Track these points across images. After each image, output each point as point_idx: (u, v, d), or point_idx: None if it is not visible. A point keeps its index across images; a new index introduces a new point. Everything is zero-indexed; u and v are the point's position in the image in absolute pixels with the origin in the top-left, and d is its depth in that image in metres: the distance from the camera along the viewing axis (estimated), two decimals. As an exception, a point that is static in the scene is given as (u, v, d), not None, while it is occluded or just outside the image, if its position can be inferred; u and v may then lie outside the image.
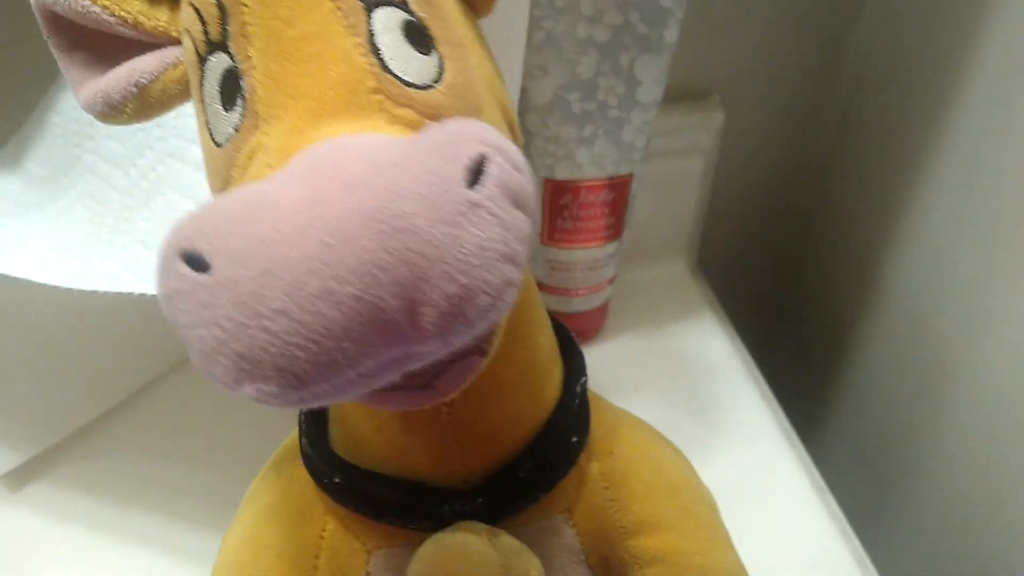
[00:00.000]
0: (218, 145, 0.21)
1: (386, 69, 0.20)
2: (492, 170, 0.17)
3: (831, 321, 0.61)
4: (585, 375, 0.27)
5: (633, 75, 0.41)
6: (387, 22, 0.20)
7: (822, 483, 0.45)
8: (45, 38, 0.24)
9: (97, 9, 0.22)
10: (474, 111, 0.21)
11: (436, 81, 0.20)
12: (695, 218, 0.57)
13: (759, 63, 0.54)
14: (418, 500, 0.25)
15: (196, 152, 0.33)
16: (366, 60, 0.19)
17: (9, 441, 0.43)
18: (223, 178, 0.21)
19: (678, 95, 0.52)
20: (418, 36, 0.20)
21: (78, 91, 0.24)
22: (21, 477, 0.44)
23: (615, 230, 0.47)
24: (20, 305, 0.40)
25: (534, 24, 0.40)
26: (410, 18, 0.20)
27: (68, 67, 0.24)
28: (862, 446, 0.58)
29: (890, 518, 0.55)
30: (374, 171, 0.16)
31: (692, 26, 0.44)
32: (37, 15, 0.23)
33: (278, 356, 0.16)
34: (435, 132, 0.18)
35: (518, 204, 0.18)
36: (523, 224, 0.17)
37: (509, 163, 0.18)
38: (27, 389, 0.43)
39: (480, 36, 0.23)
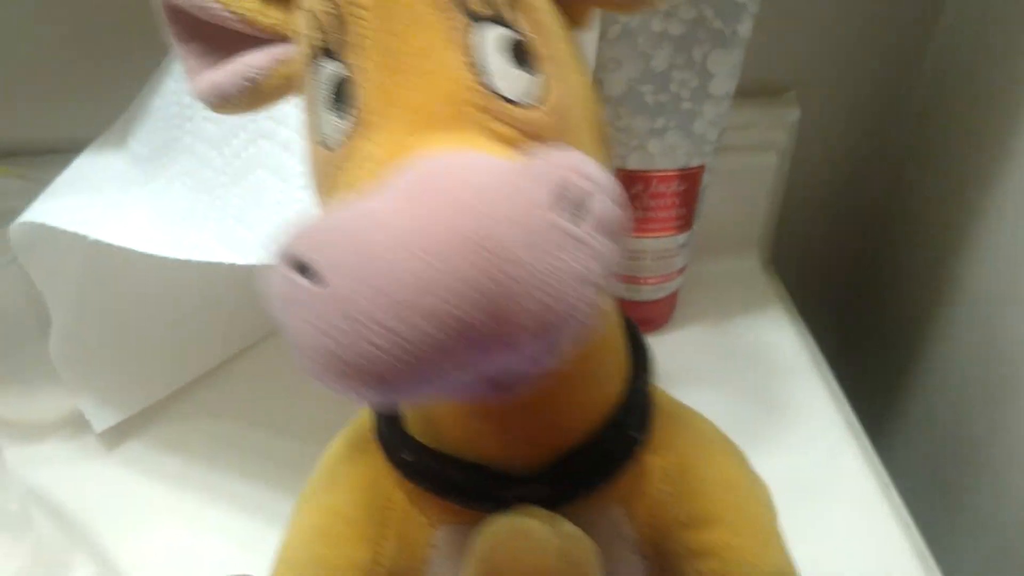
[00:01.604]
0: (326, 148, 0.22)
1: (490, 87, 0.21)
2: (596, 208, 0.18)
3: (904, 320, 0.60)
4: (649, 371, 0.28)
5: (706, 68, 0.42)
6: (495, 41, 0.21)
7: (887, 479, 0.45)
8: (164, 27, 0.25)
9: (216, 6, 0.24)
10: (572, 130, 0.22)
11: (540, 101, 0.21)
12: (768, 213, 0.57)
13: (837, 60, 0.54)
14: (483, 483, 0.26)
15: (285, 133, 0.35)
16: (472, 77, 0.21)
17: (108, 401, 0.45)
18: (329, 182, 0.22)
19: (754, 90, 0.52)
20: (523, 55, 0.21)
21: (193, 80, 0.25)
22: (117, 435, 0.46)
23: (685, 221, 0.48)
24: (123, 273, 0.42)
25: (610, 18, 0.41)
26: (518, 37, 0.21)
27: (185, 56, 0.25)
28: (931, 446, 0.57)
29: (956, 518, 0.54)
30: (475, 196, 0.17)
31: (769, 22, 0.44)
32: (158, 3, 0.25)
33: (380, 367, 0.17)
34: (538, 162, 0.19)
35: (611, 236, 0.18)
36: (614, 254, 0.18)
37: (610, 200, 0.19)
38: (125, 353, 0.46)
39: (579, 51, 0.24)
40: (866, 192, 0.61)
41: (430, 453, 0.26)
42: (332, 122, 0.22)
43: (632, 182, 0.46)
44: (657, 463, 0.27)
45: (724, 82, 0.43)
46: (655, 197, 0.46)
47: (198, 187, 0.37)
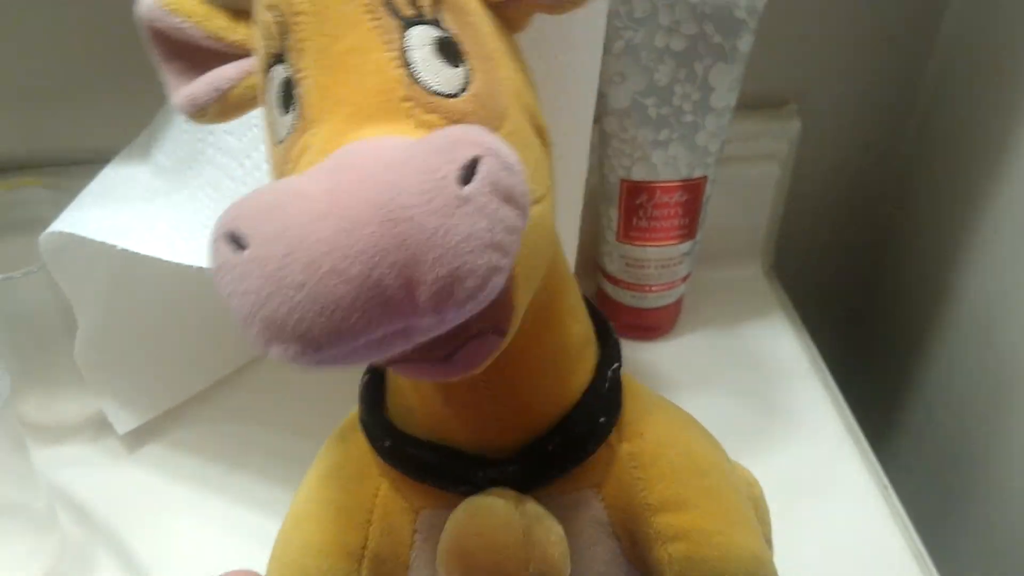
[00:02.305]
0: (278, 143, 0.24)
1: (416, 80, 0.22)
2: (483, 169, 0.20)
3: (904, 327, 0.61)
4: (619, 361, 0.29)
5: (707, 82, 0.43)
6: (421, 38, 0.23)
7: (886, 482, 0.46)
8: (148, 48, 0.28)
9: (188, 25, 0.26)
10: (498, 117, 0.23)
11: (463, 90, 0.23)
12: (770, 222, 0.58)
13: (837, 72, 0.55)
14: (456, 465, 0.27)
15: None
16: (399, 72, 0.22)
17: (130, 404, 0.47)
18: (280, 172, 0.24)
19: (756, 103, 0.53)
20: (449, 50, 0.23)
21: (172, 94, 0.28)
22: (139, 438, 0.47)
23: (689, 230, 0.49)
24: (147, 281, 0.43)
25: (614, 34, 0.42)
26: (442, 34, 0.23)
27: (167, 74, 0.28)
28: (930, 450, 0.58)
29: (955, 522, 0.55)
30: (383, 168, 0.19)
31: (770, 34, 0.45)
32: (141, 29, 0.27)
33: (297, 323, 0.18)
34: (438, 136, 0.20)
35: (508, 200, 0.20)
36: (512, 218, 0.20)
37: (500, 164, 0.20)
38: (147, 358, 0.47)
39: (513, 50, 0.26)
40: (866, 201, 0.62)
41: (408, 439, 0.28)
42: (280, 119, 0.24)
43: (636, 192, 0.47)
44: (628, 450, 0.29)
45: (725, 95, 0.44)
46: (659, 207, 0.47)
47: (220, 198, 0.38)
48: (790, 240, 0.60)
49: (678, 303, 0.54)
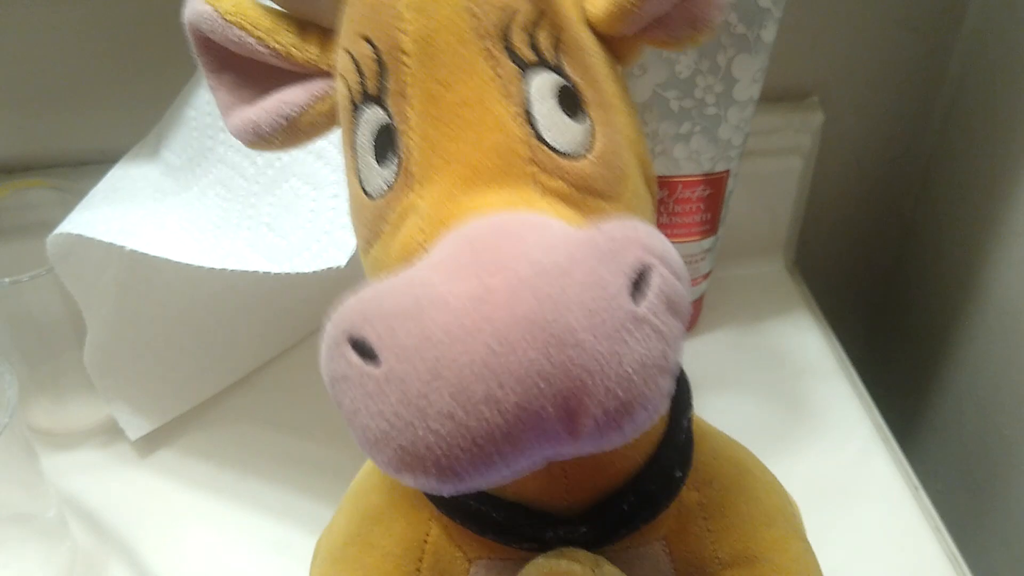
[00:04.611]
0: (369, 196, 0.21)
1: (540, 138, 0.20)
2: (655, 281, 0.17)
3: (930, 322, 0.60)
4: (691, 407, 0.27)
5: (730, 74, 0.42)
6: (543, 88, 0.20)
7: (916, 482, 0.45)
8: (194, 56, 0.25)
9: (252, 40, 0.23)
10: (620, 178, 0.21)
11: (587, 149, 0.21)
12: (793, 217, 0.57)
13: (860, 65, 0.54)
14: (523, 523, 0.25)
15: (318, 142, 0.36)
16: (521, 129, 0.20)
17: (141, 409, 0.46)
18: (373, 231, 0.22)
19: (778, 95, 0.52)
20: (571, 101, 0.21)
21: (227, 115, 0.25)
22: (151, 443, 0.47)
23: (711, 226, 0.48)
24: (156, 284, 0.43)
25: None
26: (565, 83, 0.21)
27: (216, 87, 0.25)
28: (959, 447, 0.57)
29: (986, 521, 0.54)
30: (541, 277, 0.17)
31: (792, 26, 0.44)
32: (188, 35, 0.24)
33: (440, 455, 0.17)
34: (601, 236, 0.18)
35: (676, 313, 0.18)
36: (680, 332, 0.18)
37: (671, 273, 0.18)
38: (158, 362, 0.46)
39: (625, 90, 0.23)
40: (890, 195, 0.61)
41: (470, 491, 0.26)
42: (374, 168, 0.21)
43: (658, 188, 0.46)
44: (697, 499, 0.27)
45: (748, 87, 0.43)
46: (680, 202, 0.46)
47: (231, 196, 0.38)
48: (812, 235, 0.60)
49: (699, 301, 0.53)
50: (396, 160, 0.20)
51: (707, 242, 0.49)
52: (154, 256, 0.37)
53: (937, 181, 0.58)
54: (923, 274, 0.61)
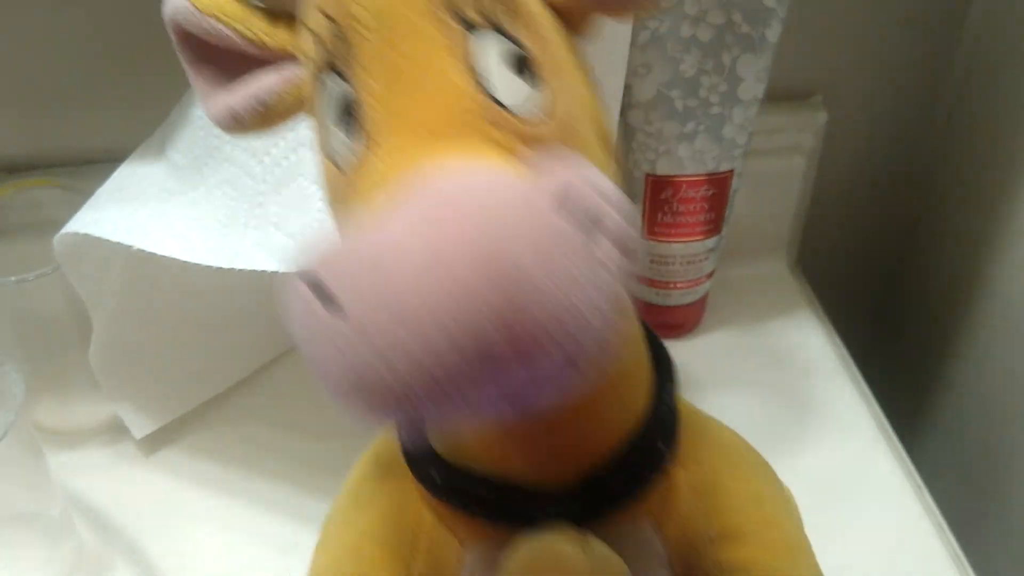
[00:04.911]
0: (336, 166, 0.22)
1: (490, 96, 0.21)
2: (609, 225, 0.18)
3: (932, 321, 0.60)
4: (672, 381, 0.27)
5: (735, 73, 0.42)
6: (492, 50, 0.21)
7: (919, 480, 0.45)
8: (176, 51, 0.26)
9: (224, 28, 0.24)
10: (573, 137, 0.22)
11: (539, 108, 0.21)
12: (796, 216, 0.57)
13: (863, 64, 0.54)
14: (512, 501, 0.25)
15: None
16: (470, 87, 0.21)
17: (146, 408, 0.46)
18: (341, 195, 0.22)
19: (781, 95, 0.52)
20: (522, 64, 0.21)
21: (206, 103, 0.26)
22: (155, 442, 0.47)
23: (715, 225, 0.48)
24: (163, 283, 0.43)
25: (639, 24, 0.41)
26: (515, 47, 0.21)
27: (196, 79, 0.26)
28: (962, 446, 0.57)
29: (988, 518, 0.54)
30: (495, 221, 0.17)
31: (796, 26, 0.44)
32: (168, 30, 0.26)
33: (402, 393, 0.17)
34: (550, 180, 0.18)
35: (628, 256, 0.18)
36: (629, 271, 0.18)
37: (623, 217, 0.19)
38: (163, 361, 0.46)
39: (582, 60, 0.24)
40: (894, 194, 0.61)
41: (458, 472, 0.26)
42: (340, 138, 0.22)
43: (661, 187, 0.46)
44: (685, 477, 0.27)
45: (753, 86, 0.43)
46: (684, 202, 0.46)
47: (238, 196, 0.38)
48: (816, 234, 0.60)
49: (703, 300, 0.53)
50: (359, 127, 0.21)
51: (711, 241, 0.49)
52: (160, 255, 0.37)
53: (940, 180, 0.58)
54: (926, 273, 0.61)
